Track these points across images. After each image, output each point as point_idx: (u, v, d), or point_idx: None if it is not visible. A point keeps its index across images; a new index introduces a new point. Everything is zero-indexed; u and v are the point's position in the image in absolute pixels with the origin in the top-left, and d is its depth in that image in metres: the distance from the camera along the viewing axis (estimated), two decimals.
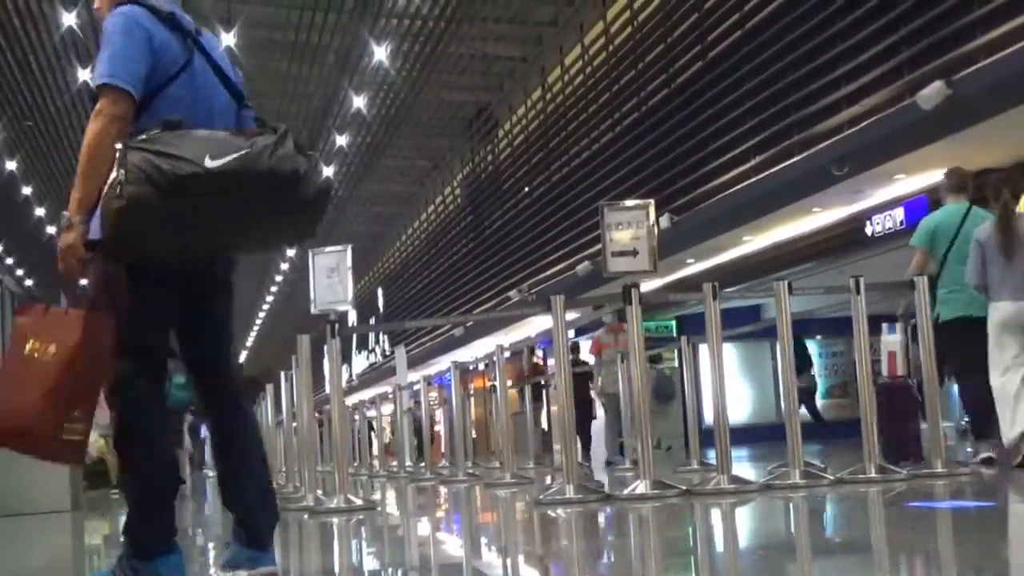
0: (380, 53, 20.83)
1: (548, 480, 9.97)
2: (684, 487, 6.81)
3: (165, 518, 3.55)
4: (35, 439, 3.21)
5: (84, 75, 21.07)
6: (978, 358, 7.34)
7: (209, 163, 3.10)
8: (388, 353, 35.83)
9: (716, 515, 5.88)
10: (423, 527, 6.75)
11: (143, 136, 3.17)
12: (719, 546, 4.80)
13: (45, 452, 3.33)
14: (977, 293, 7.43)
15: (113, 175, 3.12)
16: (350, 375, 41.24)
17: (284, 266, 37.69)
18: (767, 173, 14.27)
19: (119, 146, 3.16)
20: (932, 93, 10.53)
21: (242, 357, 59.97)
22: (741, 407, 21.96)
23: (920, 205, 13.45)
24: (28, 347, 3.20)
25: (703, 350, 10.39)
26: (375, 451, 24.45)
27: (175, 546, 3.52)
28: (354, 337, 41.04)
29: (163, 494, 3.56)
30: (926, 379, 7.32)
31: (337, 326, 7.57)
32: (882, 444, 6.95)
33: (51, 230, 30.37)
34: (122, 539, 3.56)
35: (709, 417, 15.38)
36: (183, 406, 15.30)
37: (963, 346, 7.64)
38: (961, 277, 7.43)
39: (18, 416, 3.16)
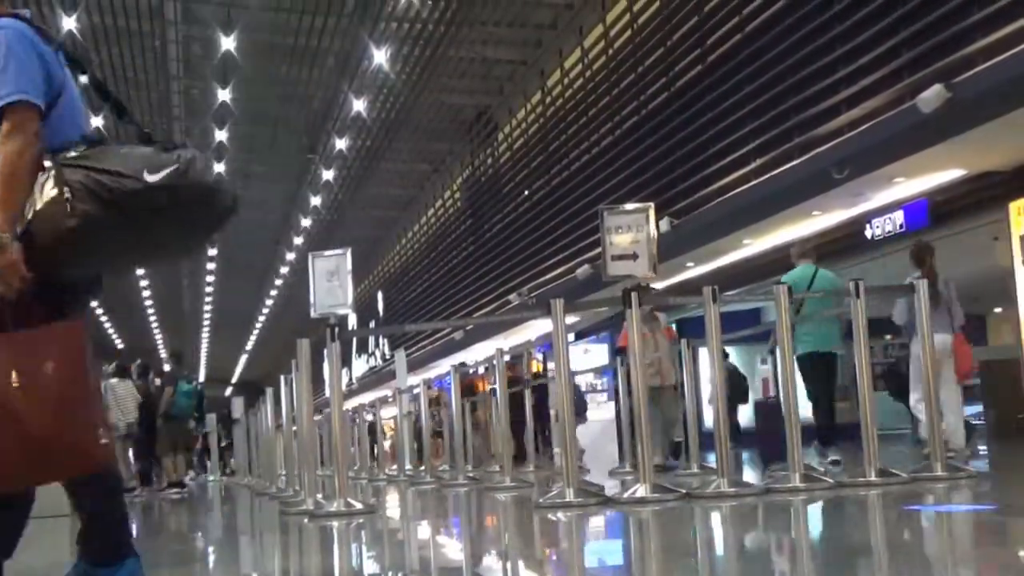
0: (380, 57, 20.86)
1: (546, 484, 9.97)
2: (684, 491, 6.80)
3: (123, 525, 3.51)
4: (86, 454, 3.15)
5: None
6: (820, 383, 9.82)
7: (148, 177, 3.07)
8: (388, 357, 35.83)
9: (716, 519, 5.88)
10: (423, 531, 6.74)
11: (73, 153, 3.15)
12: (719, 550, 4.79)
13: (96, 463, 3.23)
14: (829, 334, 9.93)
15: (52, 193, 3.07)
16: (350, 379, 41.23)
17: (284, 270, 37.72)
18: (767, 176, 14.28)
19: (48, 163, 3.12)
20: (932, 96, 10.54)
21: (241, 361, 60.03)
22: (741, 410, 21.92)
23: (920, 208, 13.47)
24: (14, 378, 3.05)
25: (703, 353, 10.39)
26: (376, 454, 24.40)
27: (133, 551, 3.50)
28: (354, 341, 41.04)
29: (120, 503, 3.53)
30: (925, 391, 7.35)
31: (337, 330, 7.57)
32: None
33: None
34: (78, 548, 3.52)
35: (709, 421, 15.36)
36: (189, 413, 15.31)
37: (813, 372, 9.72)
38: (810, 324, 9.62)
39: (70, 443, 3.10)
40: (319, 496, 8.27)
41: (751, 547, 4.79)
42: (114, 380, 14.47)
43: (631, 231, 6.97)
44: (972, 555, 4.01)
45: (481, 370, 19.53)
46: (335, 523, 7.04)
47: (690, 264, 17.69)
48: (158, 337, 51.68)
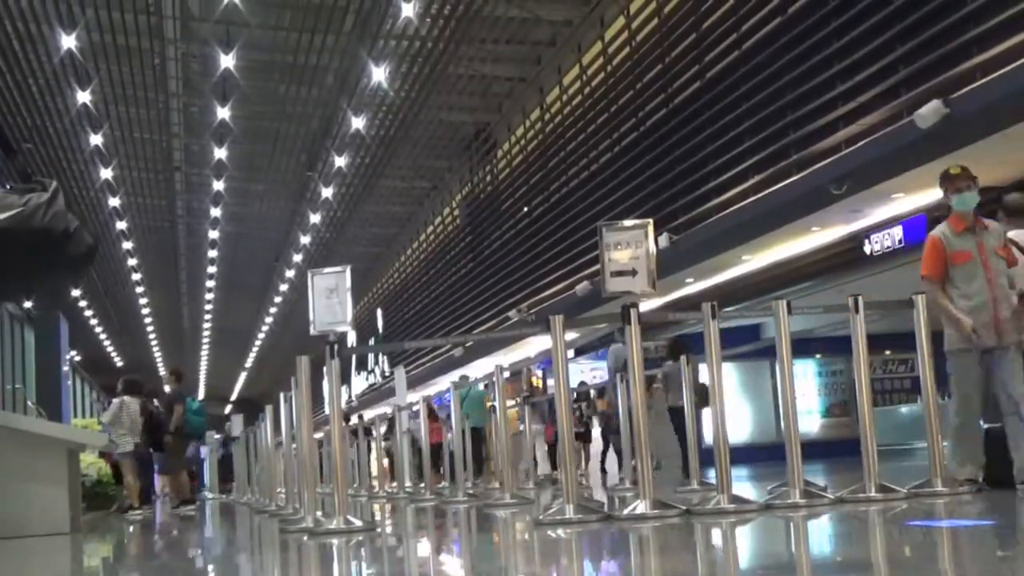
0: (379, 74, 20.88)
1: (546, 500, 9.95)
2: (684, 507, 6.79)
3: None
4: None
5: (83, 97, 21.15)
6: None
7: None
8: (388, 374, 35.79)
9: (716, 535, 5.86)
10: (423, 548, 6.73)
11: None
12: (719, 567, 4.78)
13: None
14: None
15: None
16: (350, 396, 41.19)
17: (283, 287, 37.70)
18: (766, 192, 14.30)
19: None
20: (929, 112, 10.56)
21: (241, 378, 59.97)
22: (741, 427, 21.93)
23: (918, 224, 13.47)
24: None
25: (702, 370, 10.38)
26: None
27: None
28: (353, 358, 41.00)
29: None
30: (927, 405, 7.36)
31: (336, 347, 7.56)
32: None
33: None
34: None
35: (709, 437, 15.35)
36: (200, 431, 15.24)
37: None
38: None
39: None
40: (319, 514, 8.25)
41: (753, 564, 4.78)
42: (128, 398, 14.38)
43: (630, 247, 6.96)
44: (974, 571, 4.01)
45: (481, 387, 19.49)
46: (335, 540, 7.02)
47: (689, 280, 17.70)
48: (157, 355, 51.63)
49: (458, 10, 19.78)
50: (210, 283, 38.08)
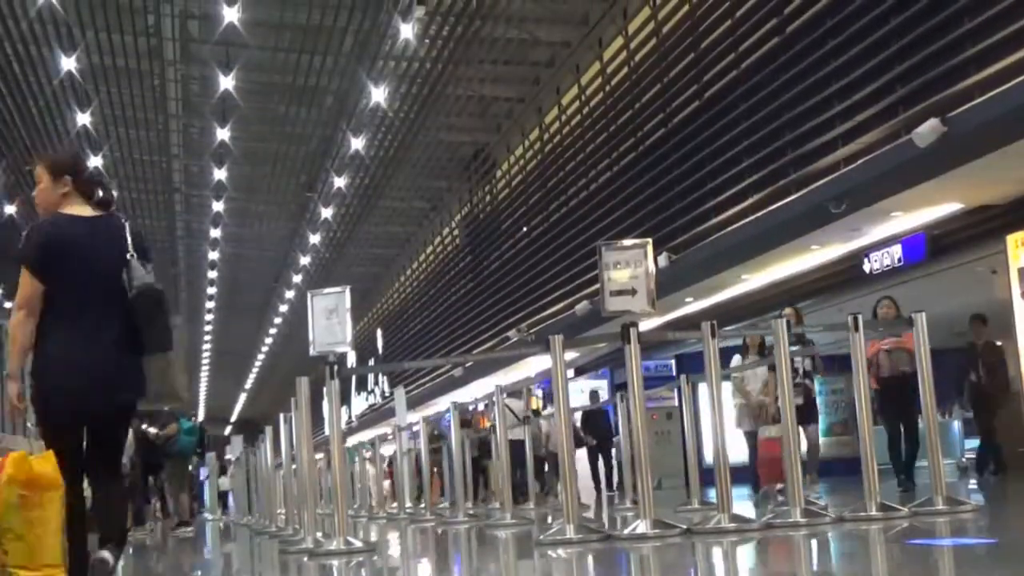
0: (378, 95, 20.94)
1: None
2: (685, 526, 6.78)
3: None
4: None
5: (83, 119, 21.20)
6: None
7: None
8: (387, 394, 35.75)
9: (717, 555, 5.85)
10: (423, 569, 6.71)
11: None
12: None
13: None
14: None
15: None
16: (349, 416, 41.13)
17: (283, 308, 37.72)
18: (764, 211, 14.30)
19: None
20: (927, 131, 10.58)
21: (241, 399, 59.91)
22: (741, 445, 21.84)
23: (917, 242, 13.50)
24: None
25: (702, 389, 10.38)
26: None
27: None
28: (353, 378, 40.95)
29: None
30: (928, 424, 7.36)
31: (336, 367, 7.56)
32: None
33: None
34: None
35: (709, 456, 15.32)
36: (191, 451, 15.23)
37: None
38: None
39: None
40: (319, 534, 8.23)
41: None
42: None
43: (629, 267, 6.97)
44: None
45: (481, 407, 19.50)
46: (335, 562, 7.01)
47: (689, 299, 17.69)
48: None
49: (457, 31, 19.85)
50: (210, 304, 38.09)
